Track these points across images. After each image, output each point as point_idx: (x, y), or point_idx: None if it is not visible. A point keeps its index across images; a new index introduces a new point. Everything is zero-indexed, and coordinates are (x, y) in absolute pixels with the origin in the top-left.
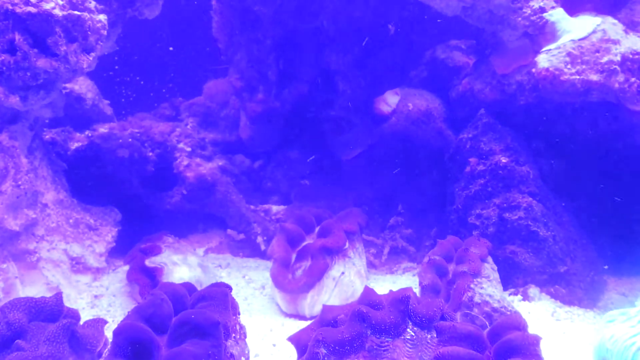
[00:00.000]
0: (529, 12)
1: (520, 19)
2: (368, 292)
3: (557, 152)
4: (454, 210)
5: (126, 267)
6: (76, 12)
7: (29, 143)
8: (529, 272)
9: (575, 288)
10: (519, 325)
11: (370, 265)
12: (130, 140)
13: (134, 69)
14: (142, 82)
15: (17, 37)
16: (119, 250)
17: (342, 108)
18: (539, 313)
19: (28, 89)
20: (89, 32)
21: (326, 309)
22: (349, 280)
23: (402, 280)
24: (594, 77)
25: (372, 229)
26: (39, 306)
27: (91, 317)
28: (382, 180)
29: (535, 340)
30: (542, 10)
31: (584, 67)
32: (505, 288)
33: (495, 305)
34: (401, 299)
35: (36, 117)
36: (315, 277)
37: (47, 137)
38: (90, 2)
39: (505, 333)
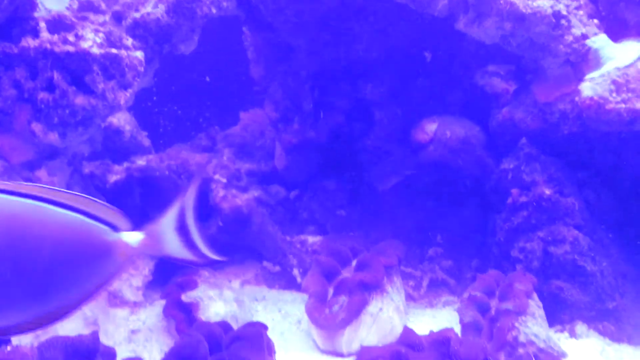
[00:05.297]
0: (571, 39)
1: (561, 46)
2: (407, 332)
3: (603, 182)
4: (496, 243)
5: (163, 301)
6: (113, 50)
7: (67, 178)
8: (575, 308)
9: (625, 324)
10: None
11: (409, 297)
12: (167, 172)
13: (172, 99)
14: (179, 112)
15: (56, 75)
16: (156, 282)
17: (379, 137)
18: (587, 351)
19: (66, 126)
20: (126, 69)
21: (364, 350)
22: (387, 316)
23: (443, 314)
24: None
25: (410, 260)
26: (75, 345)
27: (128, 352)
28: (421, 210)
29: None
30: (585, 37)
31: (629, 95)
32: (551, 324)
33: (541, 345)
34: (442, 341)
35: (74, 153)
36: (353, 313)
37: (86, 170)
38: (127, 39)
39: None
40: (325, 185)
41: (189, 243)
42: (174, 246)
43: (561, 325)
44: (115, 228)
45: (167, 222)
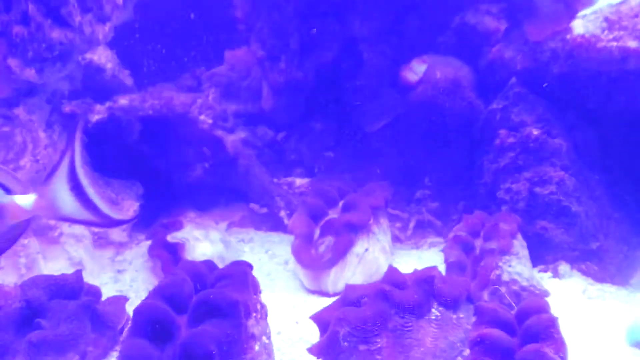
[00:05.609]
0: None
1: None
2: (392, 271)
3: (592, 123)
4: (483, 184)
5: (148, 242)
6: None
7: (47, 116)
8: (559, 248)
9: (608, 265)
10: (540, 308)
11: (396, 239)
12: (150, 112)
13: (155, 36)
14: (163, 50)
15: (31, 7)
16: (142, 224)
17: (367, 77)
18: (569, 291)
19: (44, 61)
20: (104, 2)
21: (349, 288)
22: (373, 256)
23: (428, 255)
24: (632, 44)
25: (397, 202)
26: (59, 284)
27: (114, 292)
28: (409, 152)
29: (552, 322)
30: None
31: (621, 33)
32: (535, 264)
33: (524, 283)
34: (425, 279)
35: (54, 90)
36: (339, 254)
37: (66, 109)
38: None
39: (528, 316)
40: (313, 127)
41: (87, 203)
42: (71, 208)
43: (545, 265)
44: (7, 190)
45: (59, 182)
